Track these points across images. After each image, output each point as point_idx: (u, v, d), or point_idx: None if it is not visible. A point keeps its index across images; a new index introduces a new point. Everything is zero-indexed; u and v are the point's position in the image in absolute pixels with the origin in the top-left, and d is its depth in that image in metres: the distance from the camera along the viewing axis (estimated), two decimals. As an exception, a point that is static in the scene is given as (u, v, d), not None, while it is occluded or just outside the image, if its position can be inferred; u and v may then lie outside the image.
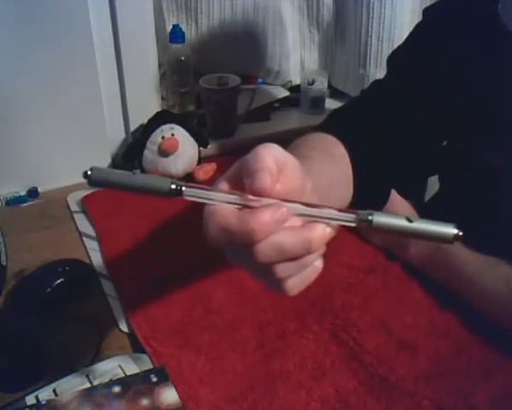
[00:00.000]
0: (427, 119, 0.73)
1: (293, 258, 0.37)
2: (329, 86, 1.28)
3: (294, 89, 1.29)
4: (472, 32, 0.69)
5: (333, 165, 0.63)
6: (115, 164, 1.02)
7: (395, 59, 0.79)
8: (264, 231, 0.35)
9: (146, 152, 0.94)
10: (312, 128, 0.74)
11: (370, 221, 0.36)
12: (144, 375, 0.57)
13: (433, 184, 1.08)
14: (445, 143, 0.79)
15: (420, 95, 0.73)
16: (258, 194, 0.36)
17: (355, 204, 0.74)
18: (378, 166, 0.73)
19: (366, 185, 0.74)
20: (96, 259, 0.79)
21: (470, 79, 0.69)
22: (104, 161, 1.01)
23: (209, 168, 0.98)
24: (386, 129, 0.73)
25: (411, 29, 0.79)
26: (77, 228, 0.87)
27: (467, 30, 0.69)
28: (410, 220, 0.35)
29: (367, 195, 0.77)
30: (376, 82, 0.81)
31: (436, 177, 1.01)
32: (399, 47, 0.79)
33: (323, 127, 0.73)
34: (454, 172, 0.81)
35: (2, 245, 0.75)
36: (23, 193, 0.95)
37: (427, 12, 0.77)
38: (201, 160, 1.00)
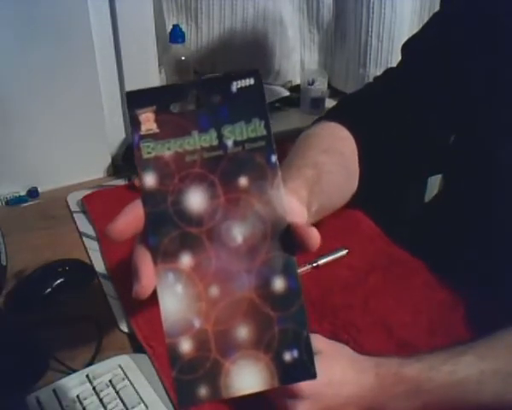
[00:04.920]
0: (440, 108, 0.72)
1: None
2: (329, 86, 1.28)
3: (294, 89, 1.29)
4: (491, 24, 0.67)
5: (342, 168, 0.63)
6: (115, 164, 1.02)
7: (410, 46, 0.77)
8: None
9: (146, 152, 0.94)
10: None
11: None
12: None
13: (433, 184, 1.09)
14: (452, 139, 0.78)
15: (434, 82, 0.71)
16: None
17: (360, 194, 0.74)
18: (384, 159, 0.72)
19: (372, 177, 0.73)
20: (96, 259, 0.79)
21: (487, 70, 0.67)
22: (104, 161, 1.01)
23: (209, 168, 0.97)
24: (396, 119, 0.72)
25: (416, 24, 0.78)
26: (77, 228, 0.86)
27: (485, 22, 0.68)
28: None
29: (372, 186, 0.76)
30: (390, 70, 0.80)
31: (436, 177, 1.01)
32: (415, 34, 0.78)
33: (334, 114, 0.72)
34: (459, 170, 0.79)
35: (2, 245, 0.75)
36: (23, 193, 0.95)
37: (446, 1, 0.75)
38: (201, 160, 1.00)
